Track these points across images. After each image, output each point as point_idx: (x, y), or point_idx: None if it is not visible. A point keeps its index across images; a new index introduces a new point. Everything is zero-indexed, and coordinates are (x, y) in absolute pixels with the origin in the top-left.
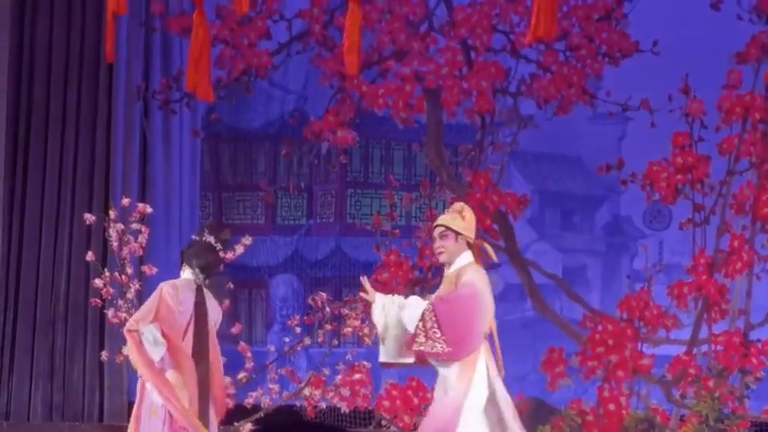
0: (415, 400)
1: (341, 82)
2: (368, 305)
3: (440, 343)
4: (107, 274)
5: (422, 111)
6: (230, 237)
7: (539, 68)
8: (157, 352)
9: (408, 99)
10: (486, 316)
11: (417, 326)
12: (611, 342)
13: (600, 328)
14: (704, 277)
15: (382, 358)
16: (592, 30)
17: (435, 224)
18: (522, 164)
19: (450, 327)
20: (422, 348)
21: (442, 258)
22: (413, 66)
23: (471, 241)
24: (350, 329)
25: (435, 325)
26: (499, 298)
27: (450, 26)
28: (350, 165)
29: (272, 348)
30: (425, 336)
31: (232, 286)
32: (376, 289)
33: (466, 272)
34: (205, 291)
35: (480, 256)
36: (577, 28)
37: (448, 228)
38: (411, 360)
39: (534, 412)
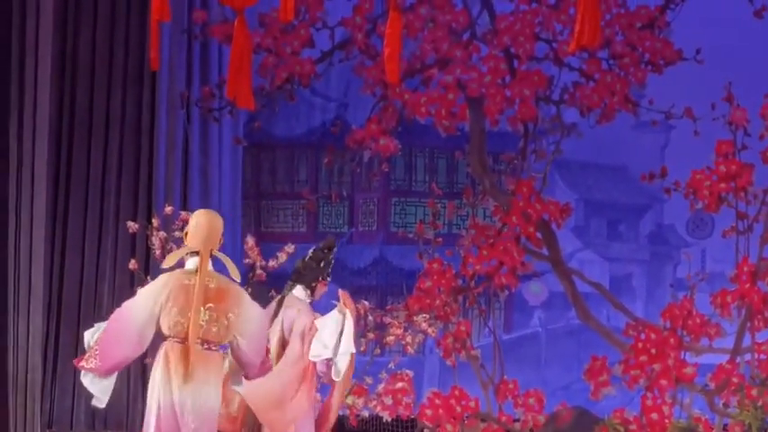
0: (458, 409)
1: (383, 90)
2: (411, 314)
3: None
4: (150, 282)
5: (464, 119)
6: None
7: (581, 76)
8: None
9: (451, 107)
10: None
11: None
12: (654, 351)
13: (643, 336)
14: (747, 285)
15: None
16: (635, 38)
17: None
18: (565, 172)
19: None
20: None
21: None
22: (455, 74)
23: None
24: (392, 338)
25: None
26: (543, 306)
27: (492, 34)
28: (393, 173)
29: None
30: None
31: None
32: (419, 298)
33: None
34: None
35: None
36: (620, 36)
37: None
38: None
39: (578, 421)
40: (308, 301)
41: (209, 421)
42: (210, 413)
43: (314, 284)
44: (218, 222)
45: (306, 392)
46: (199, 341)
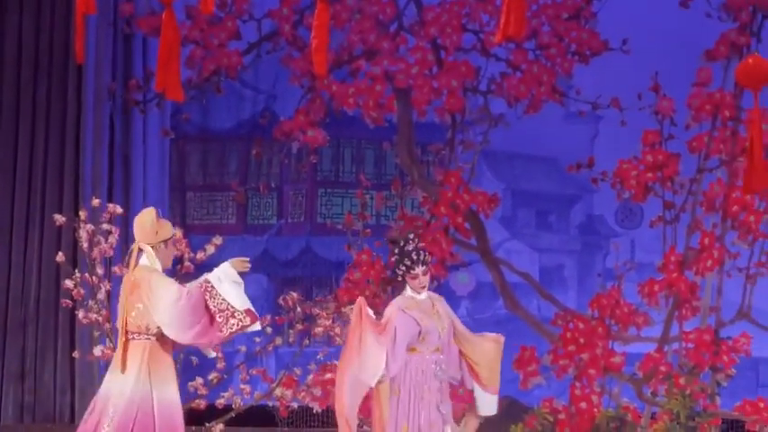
0: None
1: (311, 81)
2: (340, 305)
3: None
4: (77, 274)
5: (392, 110)
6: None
7: (509, 67)
8: None
9: (378, 98)
10: None
11: None
12: (582, 340)
13: (571, 326)
14: (675, 275)
15: None
16: (561, 28)
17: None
18: (493, 162)
19: None
20: None
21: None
22: (383, 65)
23: None
24: (321, 329)
25: None
26: (471, 296)
27: (419, 25)
28: (321, 164)
29: (243, 349)
30: None
31: None
32: (348, 289)
33: None
34: None
35: None
36: (547, 27)
37: None
38: None
39: (507, 411)
40: (408, 294)
41: (123, 409)
42: (126, 402)
43: (400, 279)
44: (144, 218)
45: None
46: (126, 332)
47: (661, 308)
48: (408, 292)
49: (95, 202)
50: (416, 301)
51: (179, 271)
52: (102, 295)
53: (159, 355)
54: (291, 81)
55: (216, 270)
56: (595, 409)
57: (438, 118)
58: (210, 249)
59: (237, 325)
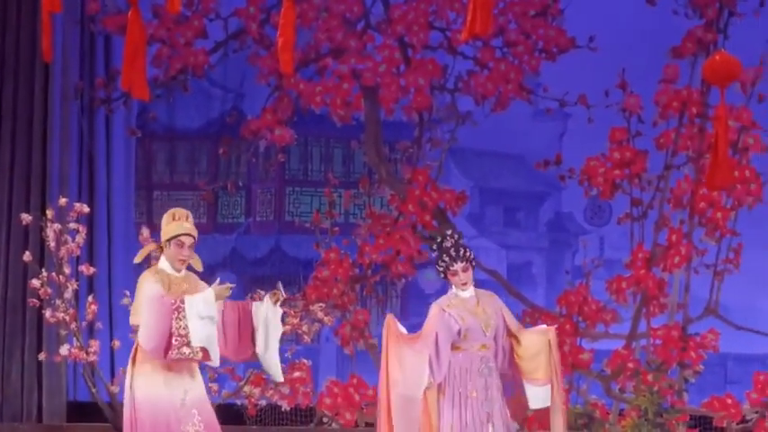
0: (357, 397)
1: (278, 80)
2: (308, 303)
3: None
4: (44, 274)
5: (359, 108)
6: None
7: (476, 65)
8: None
9: (346, 97)
10: None
11: None
12: None
13: (539, 323)
14: (642, 272)
15: None
16: (528, 26)
17: (186, 233)
18: (461, 160)
19: None
20: None
21: (184, 265)
22: (350, 63)
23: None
24: (289, 327)
25: None
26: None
27: (386, 24)
28: (289, 163)
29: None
30: None
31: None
32: (316, 287)
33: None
34: None
35: None
36: (514, 24)
37: (195, 238)
38: None
39: None
40: (452, 291)
41: (125, 402)
42: (126, 397)
43: (442, 277)
44: (162, 218)
45: None
46: None
47: (629, 305)
48: (453, 289)
49: (62, 201)
50: (460, 299)
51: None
52: (69, 294)
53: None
54: (258, 80)
55: (198, 295)
56: (564, 406)
57: (405, 116)
58: None
59: (187, 356)
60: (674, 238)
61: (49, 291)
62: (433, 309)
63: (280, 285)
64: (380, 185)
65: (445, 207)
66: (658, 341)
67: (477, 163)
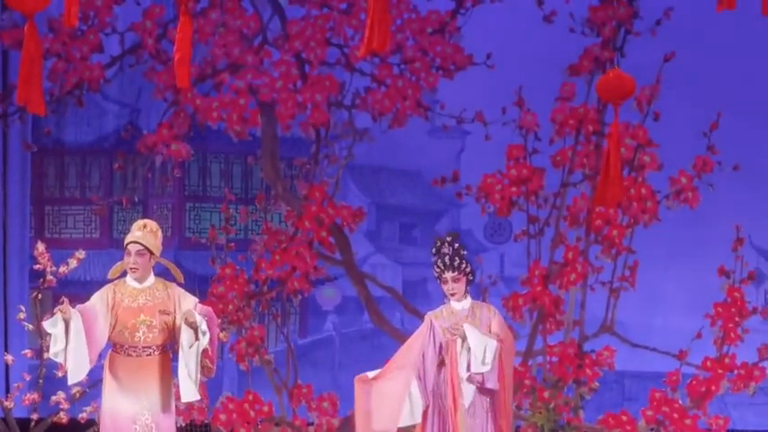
0: (252, 413)
1: (174, 95)
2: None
3: None
4: None
5: (256, 124)
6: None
7: (373, 81)
8: None
9: (242, 112)
10: None
11: None
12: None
13: None
14: (539, 288)
15: None
16: (426, 43)
17: (132, 241)
18: (358, 177)
19: None
20: None
21: (136, 275)
22: (247, 79)
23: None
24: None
25: None
26: (337, 311)
27: (284, 39)
28: (188, 178)
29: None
30: None
31: (65, 300)
32: (212, 303)
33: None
34: None
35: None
36: (411, 41)
37: (145, 247)
38: None
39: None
40: (446, 302)
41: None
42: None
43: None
44: None
45: None
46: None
47: (525, 322)
48: (446, 300)
49: None
50: (450, 311)
51: (42, 285)
52: None
53: None
54: (155, 95)
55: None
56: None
57: (303, 132)
58: (73, 263)
59: (62, 372)
60: (570, 255)
61: None
62: (425, 319)
63: (65, 300)
64: (276, 201)
65: (342, 223)
66: (555, 358)
67: (375, 179)
